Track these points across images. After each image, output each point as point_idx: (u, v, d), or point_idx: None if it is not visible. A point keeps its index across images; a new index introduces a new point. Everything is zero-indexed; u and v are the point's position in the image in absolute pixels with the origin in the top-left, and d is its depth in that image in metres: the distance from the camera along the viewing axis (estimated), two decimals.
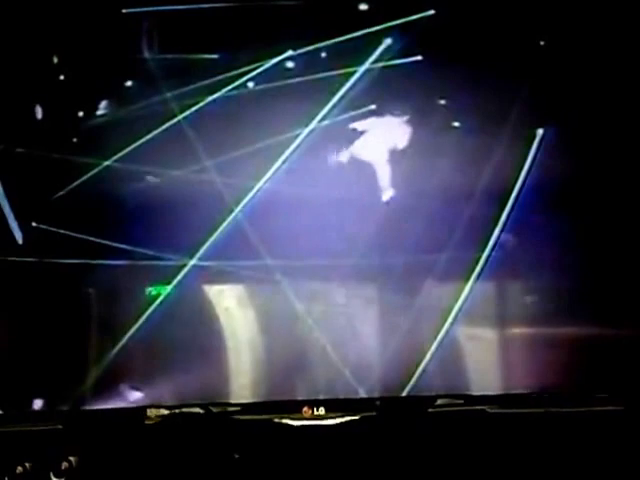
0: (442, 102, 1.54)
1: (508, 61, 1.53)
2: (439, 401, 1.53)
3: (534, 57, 1.53)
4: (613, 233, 1.52)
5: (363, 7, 1.56)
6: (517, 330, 1.53)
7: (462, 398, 1.52)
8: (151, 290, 1.55)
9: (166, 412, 1.56)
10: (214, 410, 1.55)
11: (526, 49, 1.53)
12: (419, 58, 1.54)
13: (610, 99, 1.52)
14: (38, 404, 1.56)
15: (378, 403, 1.53)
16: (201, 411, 1.55)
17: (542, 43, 1.52)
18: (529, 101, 1.52)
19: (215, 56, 1.57)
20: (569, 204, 1.52)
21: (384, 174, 1.55)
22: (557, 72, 1.53)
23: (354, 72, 1.55)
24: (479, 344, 1.53)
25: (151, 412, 1.56)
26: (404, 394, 1.52)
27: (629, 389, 1.49)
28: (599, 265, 1.52)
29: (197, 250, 1.55)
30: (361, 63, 1.55)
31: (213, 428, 1.55)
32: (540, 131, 1.52)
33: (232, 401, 1.56)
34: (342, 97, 1.55)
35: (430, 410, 1.52)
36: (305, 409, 1.53)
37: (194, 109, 1.57)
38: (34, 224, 1.58)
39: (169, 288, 1.55)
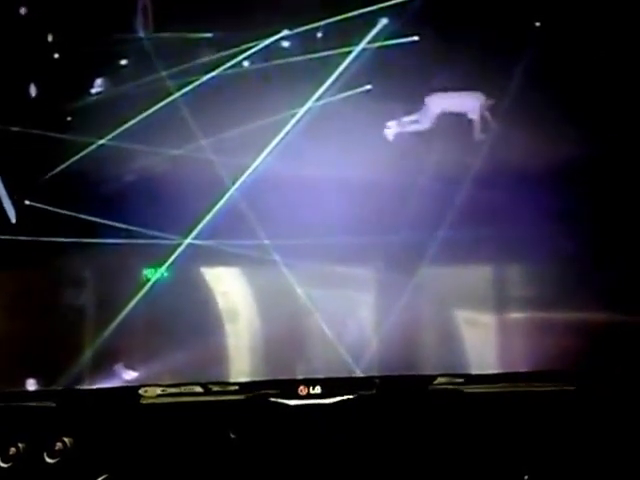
0: (437, 83, 1.55)
1: (504, 41, 1.53)
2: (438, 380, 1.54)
3: (531, 38, 1.53)
4: (606, 216, 1.53)
5: None
6: (514, 311, 1.54)
7: (461, 377, 1.53)
8: (147, 273, 1.55)
9: (161, 391, 1.55)
10: (212, 388, 1.55)
11: (522, 30, 1.54)
12: (415, 39, 1.55)
13: (609, 90, 1.54)
14: (31, 383, 1.55)
15: (375, 381, 1.53)
16: (200, 390, 1.54)
17: (538, 24, 1.54)
18: (525, 81, 1.53)
19: (210, 35, 1.57)
20: (566, 182, 1.53)
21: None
22: (553, 51, 1.54)
23: (350, 52, 1.55)
24: (476, 325, 1.54)
25: (146, 391, 1.55)
26: (401, 373, 1.52)
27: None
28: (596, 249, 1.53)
29: (193, 229, 1.55)
30: (357, 43, 1.55)
31: (209, 407, 1.55)
32: None
33: (227, 380, 1.56)
34: (338, 77, 1.55)
35: (429, 388, 1.53)
36: (301, 388, 1.53)
37: (189, 88, 1.56)
38: (27, 202, 1.57)
39: (164, 267, 1.55)
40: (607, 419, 1.49)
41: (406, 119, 1.55)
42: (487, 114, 1.54)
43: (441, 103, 1.55)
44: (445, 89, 1.55)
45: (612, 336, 1.51)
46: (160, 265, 1.55)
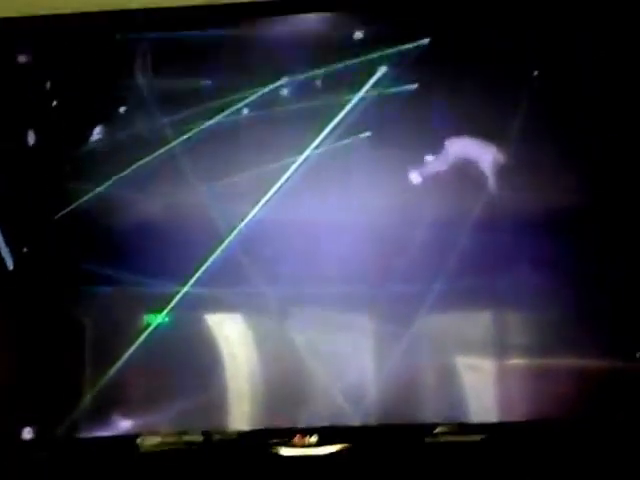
0: (437, 130, 1.54)
1: (502, 90, 1.53)
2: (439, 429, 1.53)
3: (528, 86, 1.53)
4: (605, 265, 1.53)
5: (358, 35, 1.56)
6: (512, 359, 1.53)
7: (460, 427, 1.52)
8: (145, 320, 1.54)
9: (159, 440, 1.55)
10: (212, 438, 1.54)
11: (520, 78, 1.53)
12: (414, 86, 1.55)
13: (603, 137, 1.53)
14: (28, 432, 1.54)
15: (373, 430, 1.52)
16: (200, 438, 1.54)
17: (535, 73, 1.53)
18: (523, 128, 1.53)
19: (210, 82, 1.57)
20: (563, 231, 1.53)
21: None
22: (549, 101, 1.54)
23: (349, 100, 1.55)
24: (474, 373, 1.53)
25: (144, 440, 1.54)
26: (399, 422, 1.52)
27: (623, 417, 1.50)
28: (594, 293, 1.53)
29: (191, 276, 1.54)
30: (356, 91, 1.55)
31: (206, 456, 1.54)
32: None
33: (222, 429, 1.55)
34: (337, 125, 1.55)
35: (427, 440, 1.52)
36: (297, 437, 1.52)
37: (188, 135, 1.56)
38: (25, 250, 1.57)
39: (161, 315, 1.54)
40: (607, 467, 1.48)
41: (430, 162, 1.55)
42: (497, 165, 1.54)
43: (458, 149, 1.55)
44: (462, 135, 1.55)
45: (612, 384, 1.50)
46: (158, 313, 1.55)
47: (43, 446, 1.54)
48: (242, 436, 1.54)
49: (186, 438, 1.55)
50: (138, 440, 1.54)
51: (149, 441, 1.54)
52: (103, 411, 1.54)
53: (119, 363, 1.53)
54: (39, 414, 1.55)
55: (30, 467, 1.54)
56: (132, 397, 1.56)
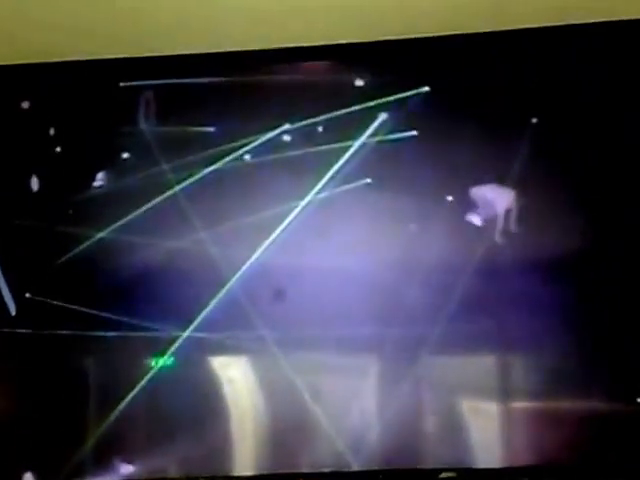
0: (436, 176, 1.56)
1: (501, 137, 1.56)
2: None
3: (527, 133, 1.55)
4: (604, 306, 1.54)
5: (359, 83, 1.58)
6: (515, 403, 1.53)
7: (464, 472, 1.52)
8: (147, 365, 1.55)
9: None
10: None
11: (519, 126, 1.55)
12: (414, 133, 1.57)
13: (599, 176, 1.55)
14: (28, 478, 1.54)
15: (379, 477, 1.53)
16: None
17: (534, 121, 1.56)
18: (521, 176, 1.54)
19: (212, 129, 1.59)
20: (561, 275, 1.54)
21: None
22: (548, 149, 1.56)
23: (350, 146, 1.57)
24: (477, 417, 1.53)
25: None
26: (402, 467, 1.52)
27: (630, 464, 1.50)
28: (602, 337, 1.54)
29: (192, 321, 1.55)
30: (357, 137, 1.57)
31: None
32: None
33: (224, 474, 1.55)
34: (338, 171, 1.57)
35: None
36: None
37: (190, 180, 1.58)
38: (28, 295, 1.58)
39: (163, 359, 1.55)
40: None
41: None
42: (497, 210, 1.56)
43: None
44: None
45: (613, 428, 1.51)
46: (160, 357, 1.55)
47: None
48: None
49: None
50: None
51: None
52: (105, 456, 1.54)
53: (120, 408, 1.53)
54: (41, 459, 1.54)
55: None
56: (133, 442, 1.56)
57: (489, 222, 1.55)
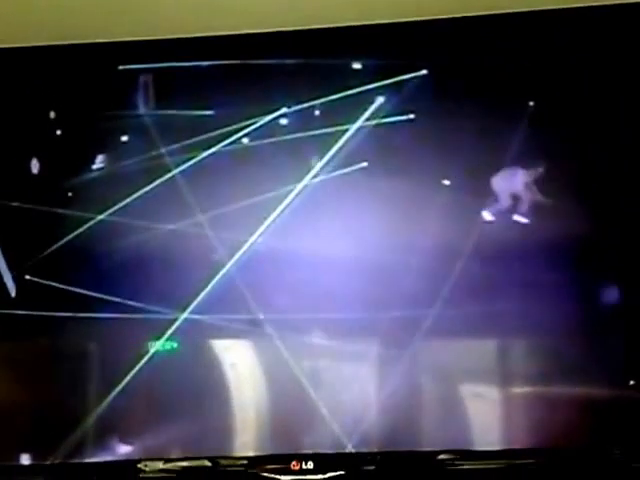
0: (433, 160, 1.56)
1: (498, 121, 1.55)
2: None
3: (524, 116, 1.55)
4: (599, 291, 1.53)
5: (356, 66, 1.58)
6: (511, 385, 1.54)
7: (461, 454, 1.53)
8: (145, 347, 1.56)
9: (162, 465, 1.56)
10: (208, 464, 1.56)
11: (516, 109, 1.55)
12: (411, 117, 1.57)
13: (597, 157, 1.55)
14: (26, 458, 1.56)
15: (376, 458, 1.53)
16: (197, 464, 1.55)
17: (531, 104, 1.55)
18: (518, 159, 1.54)
19: (210, 112, 1.60)
20: (558, 260, 1.54)
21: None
22: (546, 131, 1.55)
23: (347, 129, 1.58)
24: (475, 399, 1.53)
25: (146, 465, 1.55)
26: (392, 449, 1.53)
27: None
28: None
29: (190, 303, 1.56)
30: (354, 121, 1.57)
31: None
32: None
33: (219, 455, 1.56)
34: (335, 154, 1.57)
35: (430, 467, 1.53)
36: (294, 463, 1.53)
37: (189, 164, 1.59)
38: (27, 277, 1.60)
39: (161, 341, 1.56)
40: None
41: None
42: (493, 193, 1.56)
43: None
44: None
45: (607, 411, 1.51)
46: (158, 339, 1.57)
47: (41, 472, 1.56)
48: (237, 462, 1.55)
49: (184, 464, 1.56)
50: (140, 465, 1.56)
51: (149, 466, 1.56)
52: (103, 437, 1.56)
53: (119, 389, 1.55)
54: (38, 440, 1.56)
55: None
56: (131, 422, 1.58)
57: (483, 205, 1.55)
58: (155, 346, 1.56)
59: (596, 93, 1.54)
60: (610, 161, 1.53)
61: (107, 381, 1.56)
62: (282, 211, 1.57)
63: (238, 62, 1.60)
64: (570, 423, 1.50)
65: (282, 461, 1.53)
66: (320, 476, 1.52)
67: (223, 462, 1.55)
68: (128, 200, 1.58)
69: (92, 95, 1.62)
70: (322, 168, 1.57)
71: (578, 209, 1.54)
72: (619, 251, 1.53)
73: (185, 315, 1.56)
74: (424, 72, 1.57)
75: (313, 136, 1.58)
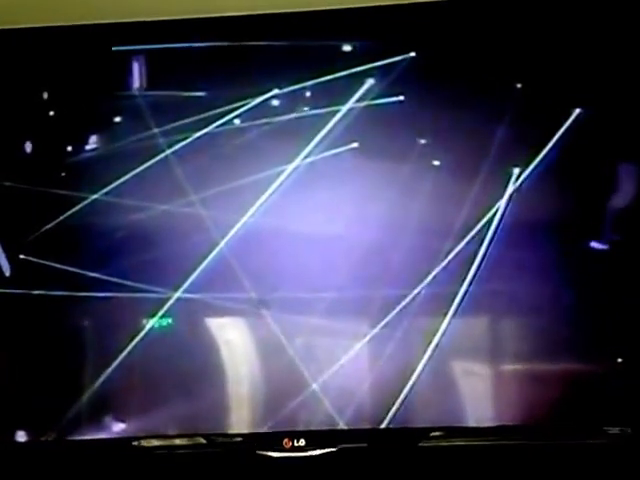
0: (423, 141, 1.59)
1: (486, 102, 1.58)
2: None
3: (511, 98, 1.58)
4: (589, 271, 1.56)
5: (347, 48, 1.60)
6: (503, 363, 1.57)
7: (454, 431, 1.55)
8: (139, 326, 1.58)
9: (155, 443, 1.58)
10: (200, 441, 1.57)
11: (504, 91, 1.58)
12: (401, 98, 1.59)
13: (585, 138, 1.57)
14: (21, 435, 1.58)
15: (366, 434, 1.56)
16: (188, 442, 1.57)
17: (519, 86, 1.58)
18: (506, 141, 1.57)
19: (202, 93, 1.62)
20: (545, 240, 1.57)
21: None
22: (533, 113, 1.58)
23: (337, 111, 1.60)
24: (465, 377, 1.56)
25: (139, 443, 1.57)
26: (384, 426, 1.55)
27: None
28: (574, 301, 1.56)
29: (183, 282, 1.58)
30: (344, 102, 1.60)
31: (196, 459, 1.58)
32: (516, 170, 1.57)
33: (212, 432, 1.59)
34: (325, 135, 1.59)
35: (421, 444, 1.55)
36: (286, 441, 1.55)
37: (181, 145, 1.61)
38: (22, 256, 1.61)
39: (154, 320, 1.58)
40: (598, 469, 1.52)
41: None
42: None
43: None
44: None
45: (597, 387, 1.54)
46: (152, 318, 1.59)
47: (37, 449, 1.57)
48: (230, 439, 1.58)
49: (179, 441, 1.58)
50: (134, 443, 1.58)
51: (143, 444, 1.58)
52: (98, 414, 1.58)
53: (113, 367, 1.57)
54: (34, 417, 1.58)
55: (24, 470, 1.57)
56: (126, 400, 1.59)
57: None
58: (149, 324, 1.58)
59: (584, 73, 1.57)
60: (600, 137, 1.56)
61: (101, 360, 1.58)
62: (274, 191, 1.59)
63: (230, 44, 1.61)
64: (559, 400, 1.54)
65: (274, 438, 1.55)
66: (312, 453, 1.54)
67: (217, 439, 1.58)
68: (121, 180, 1.60)
69: (85, 76, 1.63)
70: (313, 149, 1.59)
71: (563, 190, 1.58)
72: (601, 226, 1.56)
73: (179, 294, 1.58)
74: (413, 54, 1.60)
75: (304, 117, 1.60)
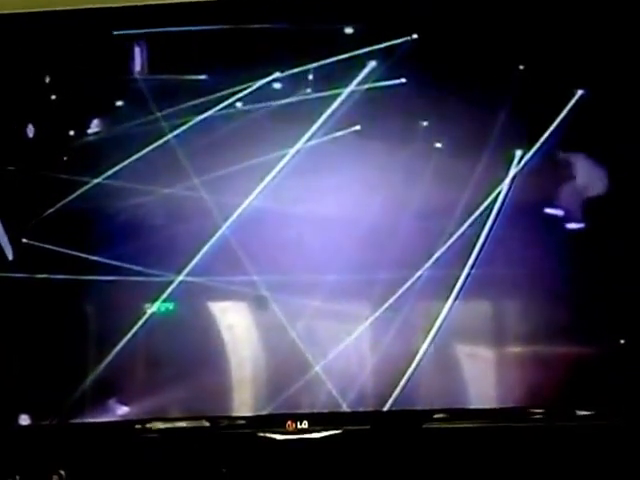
0: (425, 124, 1.59)
1: (489, 84, 1.58)
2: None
3: (514, 80, 1.57)
4: (591, 253, 1.56)
5: (349, 31, 1.60)
6: (506, 345, 1.57)
7: (456, 412, 1.56)
8: (142, 309, 1.58)
9: (158, 426, 1.58)
10: (203, 424, 1.58)
11: (506, 73, 1.57)
12: (403, 81, 1.59)
13: (586, 118, 1.57)
14: (24, 419, 1.58)
15: (369, 417, 1.56)
16: (191, 425, 1.57)
17: (521, 67, 1.57)
18: (509, 122, 1.56)
19: (204, 77, 1.62)
20: (548, 222, 1.57)
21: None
22: (535, 95, 1.58)
23: (339, 94, 1.60)
24: (468, 359, 1.56)
25: (142, 426, 1.58)
26: (387, 408, 1.55)
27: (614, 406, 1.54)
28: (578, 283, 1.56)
29: (185, 266, 1.58)
30: (346, 85, 1.59)
31: (199, 442, 1.58)
32: (518, 152, 1.57)
33: (215, 415, 1.59)
34: (328, 118, 1.59)
35: (424, 426, 1.55)
36: (289, 423, 1.55)
37: (183, 128, 1.61)
38: (25, 240, 1.61)
39: (157, 304, 1.58)
40: (599, 451, 1.52)
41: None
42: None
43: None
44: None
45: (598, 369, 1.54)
46: (154, 301, 1.59)
47: (40, 432, 1.58)
48: (234, 422, 1.58)
49: (182, 424, 1.59)
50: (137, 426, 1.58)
51: (146, 427, 1.58)
52: (101, 397, 1.58)
53: (116, 351, 1.57)
54: (37, 401, 1.58)
55: (27, 453, 1.57)
56: (129, 383, 1.59)
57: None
58: (152, 308, 1.58)
59: (586, 55, 1.56)
60: (603, 118, 1.56)
61: (104, 343, 1.58)
62: (276, 175, 1.59)
63: (232, 27, 1.61)
64: (562, 382, 1.54)
65: (277, 421, 1.56)
66: (315, 435, 1.55)
67: (220, 422, 1.58)
68: (123, 164, 1.60)
69: (87, 60, 1.63)
70: (315, 132, 1.59)
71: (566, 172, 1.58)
72: (604, 208, 1.56)
73: (181, 277, 1.58)
74: (415, 36, 1.59)
75: (306, 100, 1.60)
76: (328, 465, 1.55)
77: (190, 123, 1.61)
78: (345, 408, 1.56)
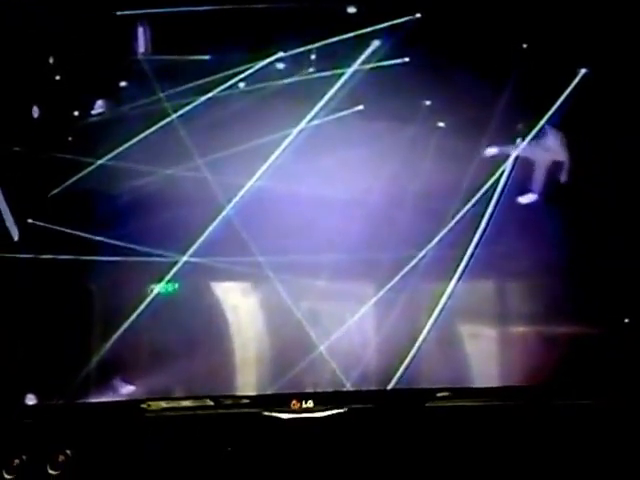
0: (428, 103, 1.59)
1: (492, 64, 1.57)
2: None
3: (517, 59, 1.57)
4: (595, 232, 1.56)
5: (352, 10, 1.60)
6: (509, 325, 1.58)
7: (459, 391, 1.56)
8: (146, 289, 1.59)
9: (165, 405, 1.59)
10: (208, 403, 1.59)
11: (510, 52, 1.57)
12: (406, 60, 1.59)
13: (588, 99, 1.57)
14: (31, 398, 1.59)
15: (372, 395, 1.57)
16: (210, 403, 1.58)
17: (525, 46, 1.57)
18: (512, 102, 1.56)
19: (207, 57, 1.62)
20: (551, 201, 1.57)
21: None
22: (539, 74, 1.57)
23: (343, 73, 1.59)
24: (466, 338, 1.57)
25: (149, 405, 1.59)
26: (391, 387, 1.56)
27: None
28: (581, 262, 1.56)
29: (190, 246, 1.59)
30: (349, 65, 1.60)
31: (204, 421, 1.59)
32: (521, 131, 1.57)
33: (221, 394, 1.60)
34: (331, 98, 1.59)
35: (427, 404, 1.57)
36: (294, 402, 1.56)
37: (186, 109, 1.61)
38: (30, 221, 1.62)
39: (162, 284, 1.59)
40: (601, 427, 1.53)
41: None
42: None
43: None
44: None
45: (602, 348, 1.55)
46: (159, 282, 1.59)
47: (46, 412, 1.59)
48: (238, 401, 1.59)
49: (187, 403, 1.59)
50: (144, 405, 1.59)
51: (152, 406, 1.59)
52: (107, 377, 1.59)
53: (121, 331, 1.58)
54: (43, 380, 1.59)
55: (33, 433, 1.58)
56: (135, 363, 1.60)
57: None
58: (157, 288, 1.59)
59: (590, 33, 1.56)
60: (606, 97, 1.56)
61: (109, 323, 1.59)
62: (280, 154, 1.59)
63: (235, 7, 1.61)
64: (565, 361, 1.54)
65: (282, 400, 1.57)
66: (320, 414, 1.55)
67: (225, 401, 1.59)
68: (127, 145, 1.60)
69: (91, 40, 1.63)
70: (319, 111, 1.59)
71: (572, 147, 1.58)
72: (607, 189, 1.57)
73: (186, 258, 1.59)
74: (418, 15, 1.59)
75: (309, 80, 1.60)
76: (332, 443, 1.55)
77: (193, 103, 1.61)
78: (349, 387, 1.57)
